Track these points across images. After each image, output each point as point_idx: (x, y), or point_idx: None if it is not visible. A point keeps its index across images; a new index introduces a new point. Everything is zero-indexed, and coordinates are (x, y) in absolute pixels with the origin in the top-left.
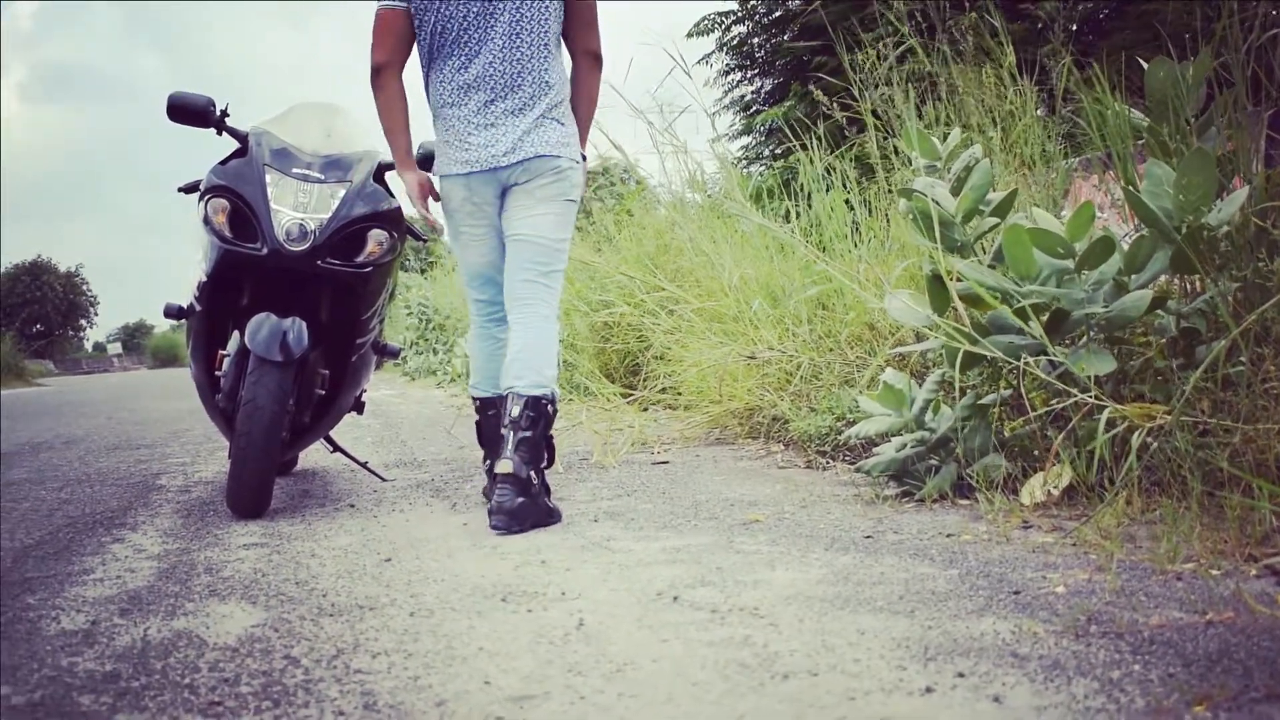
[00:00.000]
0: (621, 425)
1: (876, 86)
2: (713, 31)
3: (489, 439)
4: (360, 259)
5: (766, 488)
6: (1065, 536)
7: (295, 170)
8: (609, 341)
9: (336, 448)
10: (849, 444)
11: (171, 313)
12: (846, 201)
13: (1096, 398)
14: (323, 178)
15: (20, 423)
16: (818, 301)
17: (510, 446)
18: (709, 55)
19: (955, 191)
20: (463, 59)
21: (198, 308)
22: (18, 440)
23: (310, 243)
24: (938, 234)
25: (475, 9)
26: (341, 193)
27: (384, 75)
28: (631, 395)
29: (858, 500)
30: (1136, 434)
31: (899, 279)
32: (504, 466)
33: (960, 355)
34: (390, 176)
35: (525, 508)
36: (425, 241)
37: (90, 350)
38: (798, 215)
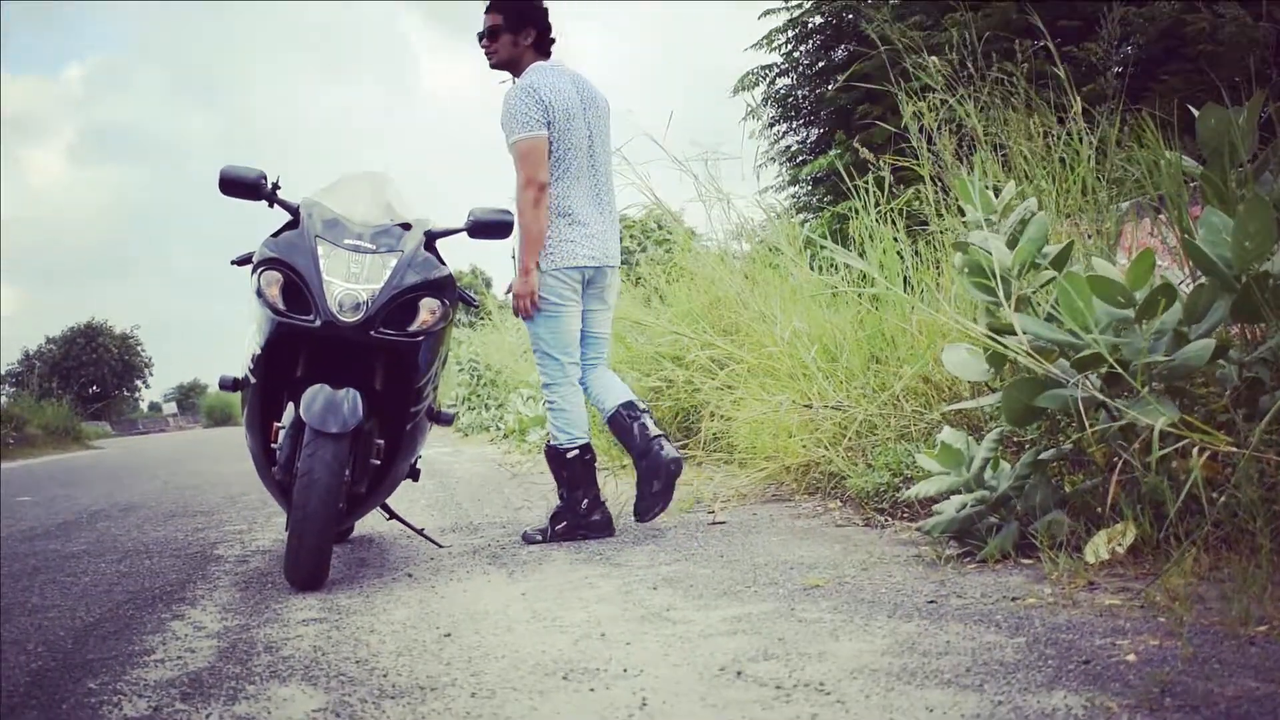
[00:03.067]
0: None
1: (924, 133)
2: (758, 85)
3: (585, 480)
4: (413, 328)
5: (825, 549)
6: (1133, 598)
7: (347, 241)
8: (660, 397)
9: (392, 514)
10: (908, 501)
11: (227, 384)
12: (899, 253)
13: (1160, 447)
14: (374, 248)
15: (79, 489)
16: (870, 354)
17: (655, 431)
18: (754, 109)
19: (1011, 244)
20: (591, 175)
21: (252, 380)
22: (77, 507)
23: (363, 313)
24: (996, 287)
25: (586, 134)
26: (393, 262)
27: (544, 190)
28: (686, 454)
29: (919, 561)
30: (1198, 462)
31: (955, 333)
32: (670, 451)
33: (1018, 410)
34: (441, 244)
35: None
36: (476, 307)
37: (146, 410)
38: (848, 266)
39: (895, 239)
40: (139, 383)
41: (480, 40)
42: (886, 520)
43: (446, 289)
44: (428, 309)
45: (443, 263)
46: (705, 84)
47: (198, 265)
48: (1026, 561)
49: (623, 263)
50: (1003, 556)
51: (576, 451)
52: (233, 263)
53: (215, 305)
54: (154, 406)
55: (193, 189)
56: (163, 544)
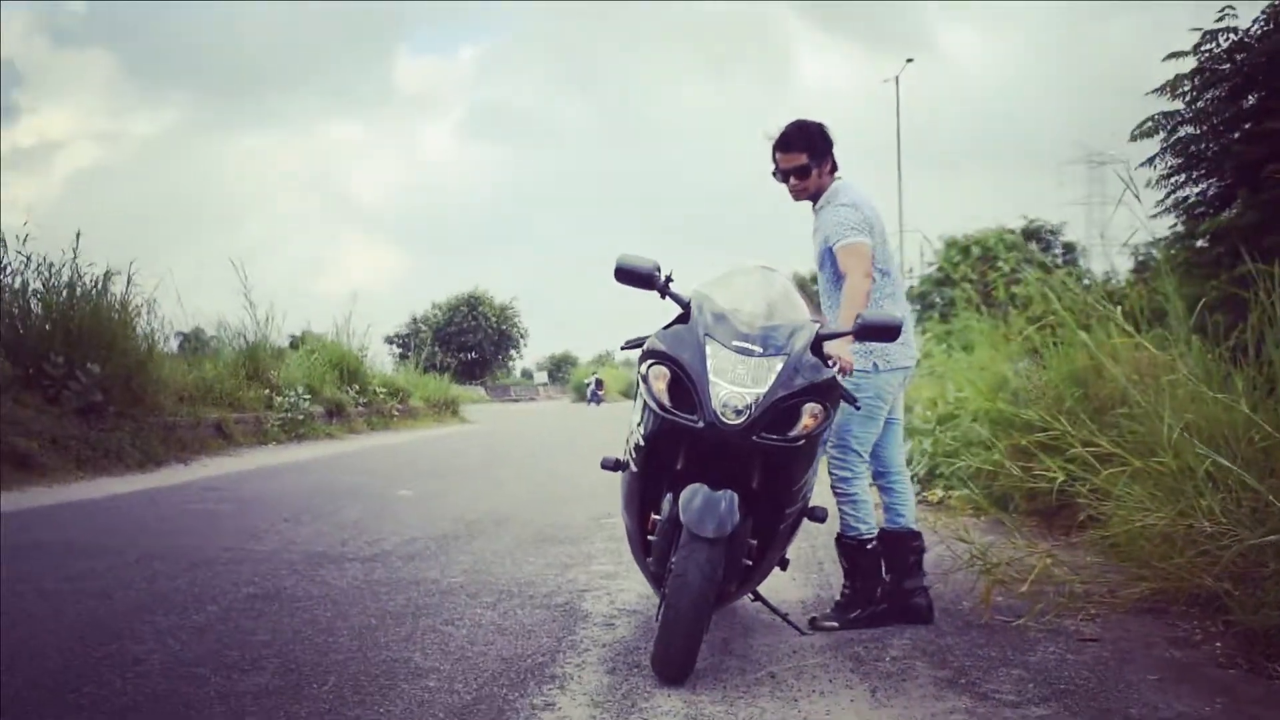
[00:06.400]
0: (1042, 573)
1: None
2: (1158, 133)
3: (878, 569)
4: (794, 433)
5: (1204, 702)
6: None
7: (735, 343)
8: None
9: (758, 597)
10: None
11: (609, 465)
12: None
13: None
14: (761, 350)
15: (453, 482)
16: (1263, 465)
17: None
18: (1154, 157)
19: None
20: (894, 283)
21: (633, 468)
22: (454, 512)
23: (746, 418)
24: None
25: (887, 246)
26: (779, 366)
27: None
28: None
29: None
30: None
31: None
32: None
33: None
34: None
35: None
36: (858, 407)
37: (519, 376)
38: (1245, 351)
39: None
40: (514, 351)
41: (785, 179)
42: (1276, 669)
43: (829, 392)
44: (810, 414)
45: (828, 364)
46: (1096, 86)
47: (571, 242)
48: None
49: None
50: None
51: (875, 543)
52: (623, 347)
53: (586, 281)
54: (526, 374)
55: (570, 173)
56: (534, 585)
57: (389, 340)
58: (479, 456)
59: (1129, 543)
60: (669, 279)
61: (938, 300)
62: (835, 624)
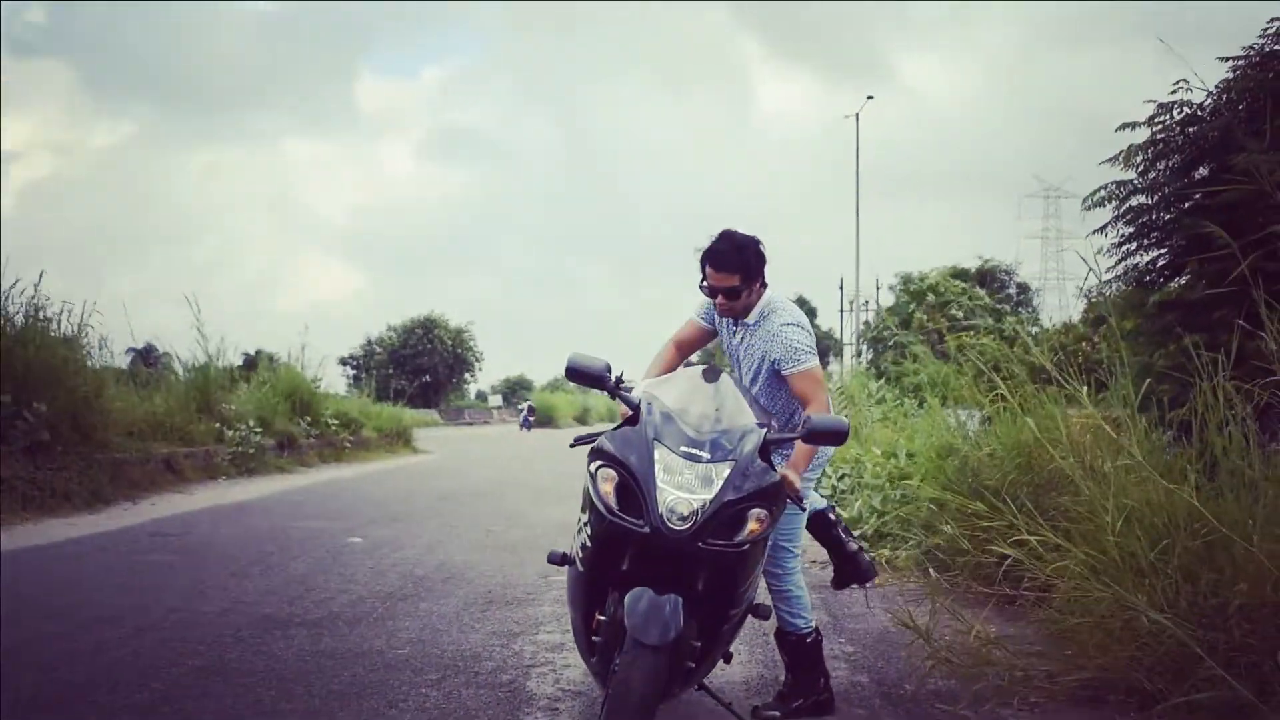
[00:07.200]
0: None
1: None
2: (1110, 202)
3: (819, 659)
4: (739, 538)
5: None
6: None
7: (683, 448)
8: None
9: (701, 686)
10: None
11: (555, 559)
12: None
13: None
14: (709, 456)
15: (405, 528)
16: (1204, 556)
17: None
18: (1105, 225)
19: None
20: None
21: (580, 568)
22: (403, 567)
23: (692, 524)
24: None
25: None
26: (725, 472)
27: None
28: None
29: None
30: None
31: None
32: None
33: None
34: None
35: None
36: (804, 509)
37: (473, 399)
38: (1189, 430)
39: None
40: (468, 375)
41: (712, 295)
42: None
43: (775, 497)
44: (755, 519)
45: (773, 469)
46: (1054, 120)
47: (527, 264)
48: None
49: (954, 329)
50: None
51: (815, 635)
52: (572, 445)
53: (542, 304)
54: (480, 396)
55: (528, 193)
56: (480, 659)
57: (343, 361)
58: (428, 498)
59: (1070, 627)
60: (619, 380)
61: (892, 337)
62: (777, 713)
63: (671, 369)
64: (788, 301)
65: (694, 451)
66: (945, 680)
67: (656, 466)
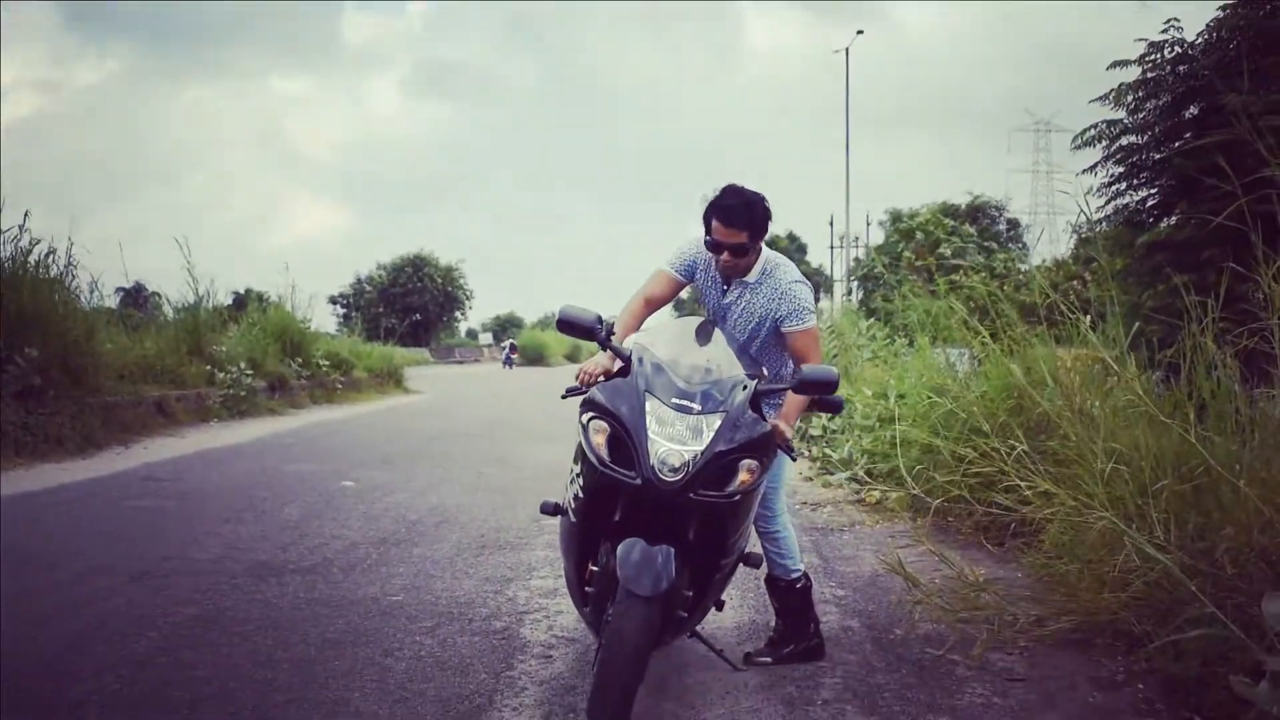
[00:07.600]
0: (971, 604)
1: None
2: (1100, 141)
3: (810, 604)
4: (731, 489)
5: None
6: None
7: (674, 400)
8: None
9: (694, 633)
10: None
11: (548, 510)
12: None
13: None
14: (700, 407)
15: (397, 470)
16: (1192, 500)
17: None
18: (1095, 165)
19: None
20: None
21: (572, 518)
22: (395, 511)
23: (683, 475)
24: None
25: None
26: (717, 424)
27: None
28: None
29: None
30: None
31: None
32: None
33: None
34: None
35: None
36: (795, 458)
37: (464, 337)
38: (1177, 371)
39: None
40: (458, 313)
41: (718, 251)
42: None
43: (766, 447)
44: (746, 469)
45: (764, 419)
46: (1045, 55)
47: (517, 200)
48: None
49: (943, 268)
50: None
51: (804, 579)
52: (563, 396)
53: (532, 240)
54: (471, 334)
55: (518, 129)
56: (473, 606)
57: (333, 300)
58: (420, 439)
59: (1059, 571)
60: (610, 331)
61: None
62: (769, 659)
63: (639, 325)
64: (785, 258)
65: (685, 403)
66: (935, 624)
67: (648, 418)
